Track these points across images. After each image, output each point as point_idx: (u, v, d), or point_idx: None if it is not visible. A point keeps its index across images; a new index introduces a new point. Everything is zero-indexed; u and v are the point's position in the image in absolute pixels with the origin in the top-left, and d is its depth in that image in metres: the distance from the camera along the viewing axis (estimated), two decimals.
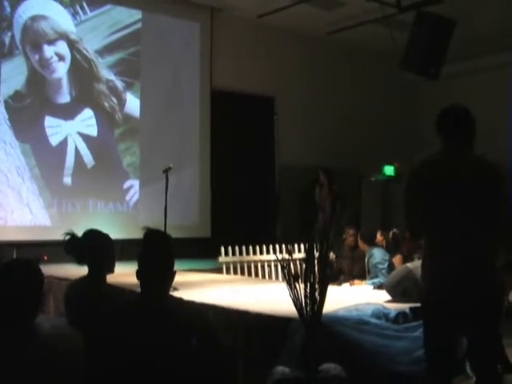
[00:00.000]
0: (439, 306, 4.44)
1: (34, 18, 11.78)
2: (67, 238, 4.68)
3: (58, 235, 11.19)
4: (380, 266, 9.38)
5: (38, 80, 11.77)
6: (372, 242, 9.78)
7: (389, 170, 16.63)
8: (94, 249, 4.60)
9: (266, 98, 15.08)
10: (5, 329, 3.02)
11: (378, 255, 9.53)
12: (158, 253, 3.62)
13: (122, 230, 11.58)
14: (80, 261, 4.62)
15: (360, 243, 9.82)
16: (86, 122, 12.31)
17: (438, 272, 4.43)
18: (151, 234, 3.79)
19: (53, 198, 11.86)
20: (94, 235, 4.71)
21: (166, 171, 8.73)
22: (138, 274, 3.56)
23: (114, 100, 12.66)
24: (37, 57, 11.75)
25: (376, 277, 9.30)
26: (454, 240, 4.38)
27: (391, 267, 9.32)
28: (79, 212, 12.11)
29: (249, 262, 11.33)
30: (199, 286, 8.31)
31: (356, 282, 9.57)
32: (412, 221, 4.64)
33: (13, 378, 2.92)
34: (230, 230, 12.84)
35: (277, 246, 11.37)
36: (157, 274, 3.53)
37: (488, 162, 4.46)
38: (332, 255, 5.22)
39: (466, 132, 4.52)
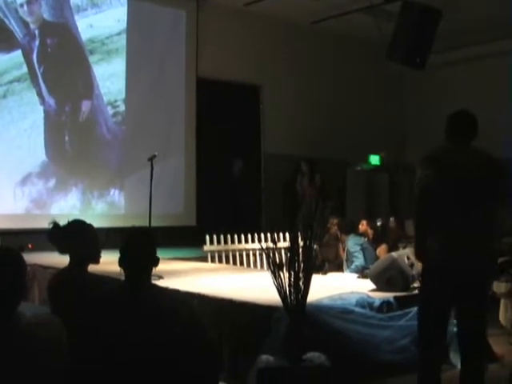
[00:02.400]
0: (440, 270, 4.65)
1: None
2: (50, 226, 4.65)
3: (43, 223, 11.19)
4: (351, 250, 9.54)
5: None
6: (348, 232, 9.87)
7: (374, 159, 16.66)
8: (76, 239, 4.58)
9: (252, 86, 15.05)
10: None
11: (350, 242, 9.66)
12: (137, 247, 3.63)
13: (106, 219, 11.58)
14: (62, 251, 4.60)
15: (338, 233, 9.97)
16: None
17: (444, 249, 4.66)
18: (130, 231, 3.79)
19: (37, 185, 11.83)
20: (76, 225, 4.68)
21: (151, 159, 8.69)
22: (121, 264, 3.55)
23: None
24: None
25: (352, 263, 9.42)
26: (460, 226, 4.66)
27: (367, 252, 9.45)
28: (64, 200, 12.08)
29: (234, 251, 11.31)
30: (184, 275, 8.31)
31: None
32: (422, 209, 4.78)
33: None
34: (215, 218, 12.80)
35: (262, 235, 11.32)
36: (140, 263, 3.53)
37: (489, 155, 4.86)
38: (316, 244, 5.22)
39: (473, 136, 4.93)
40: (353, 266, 9.35)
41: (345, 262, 9.72)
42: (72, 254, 4.59)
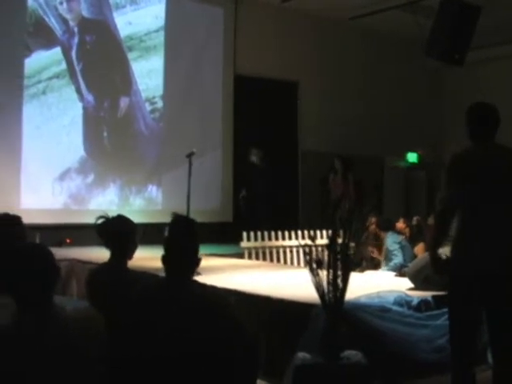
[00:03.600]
0: (469, 276, 4.55)
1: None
2: (101, 220, 4.70)
3: (81, 218, 11.29)
4: (390, 248, 9.46)
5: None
6: (387, 229, 9.82)
7: (412, 156, 16.59)
8: (121, 234, 4.65)
9: (290, 82, 15.01)
10: (22, 312, 3.04)
11: (389, 240, 9.59)
12: (183, 239, 3.61)
13: (143, 214, 11.64)
14: (108, 245, 4.66)
15: (378, 231, 9.89)
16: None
17: (470, 248, 4.58)
18: (178, 220, 3.78)
19: (76, 180, 11.94)
20: (122, 221, 4.75)
21: (190, 156, 8.72)
22: (164, 260, 3.55)
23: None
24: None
25: (390, 260, 9.36)
26: (486, 228, 4.56)
27: (406, 250, 9.40)
28: (102, 195, 12.17)
29: (271, 248, 11.30)
30: (221, 271, 8.33)
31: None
32: (448, 199, 4.73)
33: (33, 362, 2.94)
34: (252, 214, 12.81)
35: (299, 232, 11.33)
36: (182, 260, 3.53)
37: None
38: (354, 243, 5.21)
39: (495, 128, 4.79)
40: (391, 264, 9.30)
41: (383, 260, 9.68)
42: (114, 249, 4.65)
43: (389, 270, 9.25)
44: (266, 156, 12.89)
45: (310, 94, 15.10)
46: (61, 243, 10.99)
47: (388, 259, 9.49)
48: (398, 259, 9.29)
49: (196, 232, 3.68)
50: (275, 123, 14.35)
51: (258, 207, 13.02)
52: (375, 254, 9.98)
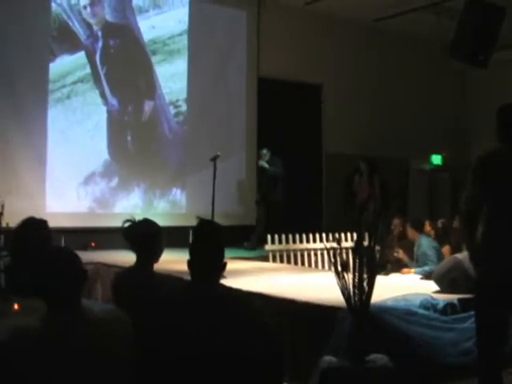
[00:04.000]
0: (495, 278, 4.55)
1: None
2: (127, 224, 4.74)
3: (105, 222, 11.33)
4: (429, 253, 9.32)
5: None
6: (421, 230, 9.74)
7: (436, 159, 16.53)
8: (148, 237, 4.67)
9: (313, 85, 15.00)
10: (50, 314, 3.08)
11: (425, 243, 9.47)
12: (209, 243, 3.62)
13: (167, 218, 11.65)
14: (134, 248, 4.69)
15: (410, 231, 9.75)
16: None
17: (496, 250, 4.58)
18: (203, 224, 3.79)
19: (100, 184, 12.02)
20: (149, 224, 4.78)
21: (214, 159, 8.76)
22: (190, 264, 3.56)
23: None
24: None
25: (425, 265, 9.23)
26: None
27: (440, 256, 9.27)
28: (126, 199, 12.24)
29: (295, 251, 11.32)
30: (246, 275, 8.36)
31: (405, 270, 9.52)
32: (472, 198, 4.74)
33: (63, 363, 2.97)
34: (274, 219, 12.81)
35: (323, 235, 11.33)
36: (208, 264, 3.54)
37: None
38: (380, 245, 5.21)
39: None
40: (427, 269, 9.03)
41: (412, 262, 9.57)
42: (141, 252, 4.67)
43: (420, 273, 9.11)
44: (274, 156, 12.83)
45: (334, 96, 15.07)
46: (86, 247, 11.04)
47: (422, 263, 9.32)
48: (433, 265, 8.91)
49: (221, 236, 3.68)
50: (299, 126, 14.34)
51: (281, 210, 13.01)
52: (400, 255, 9.89)
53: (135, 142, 12.44)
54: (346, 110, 15.14)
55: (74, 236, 10.64)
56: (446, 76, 16.59)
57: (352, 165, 13.51)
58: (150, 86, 12.73)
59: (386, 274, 9.38)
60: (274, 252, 11.07)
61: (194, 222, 3.82)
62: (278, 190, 12.76)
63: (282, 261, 11.05)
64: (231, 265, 8.97)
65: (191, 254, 3.59)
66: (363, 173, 13.00)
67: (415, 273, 9.25)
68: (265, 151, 12.86)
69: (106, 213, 11.83)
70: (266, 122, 13.75)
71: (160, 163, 12.69)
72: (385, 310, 5.72)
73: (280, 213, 12.68)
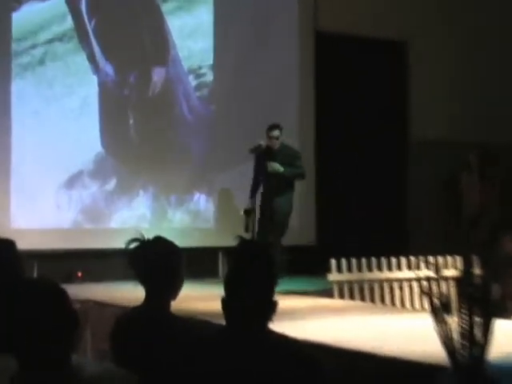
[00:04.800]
0: None
1: None
2: (134, 244, 4.70)
3: (98, 241, 11.40)
4: None
5: None
6: None
7: None
8: (162, 264, 4.63)
9: (395, 42, 14.96)
10: (25, 376, 3.09)
11: None
12: (254, 275, 3.61)
13: (188, 235, 11.64)
14: (142, 279, 4.65)
15: None
16: None
17: None
18: (246, 247, 3.78)
19: (90, 188, 12.06)
20: (164, 245, 4.74)
21: (255, 151, 8.72)
22: (226, 303, 3.55)
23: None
24: None
25: None
26: None
27: None
28: (128, 208, 12.29)
29: (371, 282, 11.25)
30: (303, 316, 8.34)
31: None
32: None
33: None
34: (342, 235, 12.79)
35: (412, 259, 11.27)
36: (253, 304, 3.53)
37: None
38: (498, 276, 5.17)
39: None
40: None
41: None
42: (152, 285, 4.64)
43: None
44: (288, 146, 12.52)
45: (425, 59, 14.98)
46: (69, 277, 11.09)
47: None
48: None
49: (272, 264, 3.68)
50: (373, 101, 14.31)
51: (350, 224, 12.99)
52: None
53: (140, 126, 12.50)
54: (445, 80, 15.04)
55: (51, 262, 10.75)
56: None
57: (454, 157, 13.42)
58: (159, 47, 12.79)
59: (508, 316, 9.30)
60: (340, 284, 11.02)
61: (226, 242, 3.81)
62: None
63: (352, 296, 11.00)
64: (282, 302, 8.99)
65: (227, 288, 3.58)
66: (474, 169, 12.87)
67: None
68: (276, 133, 11.69)
69: (99, 228, 11.89)
70: (327, 96, 13.72)
71: (176, 157, 12.74)
72: (509, 371, 5.67)
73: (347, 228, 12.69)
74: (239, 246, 3.71)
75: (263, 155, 10.96)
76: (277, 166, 11.30)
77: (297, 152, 11.96)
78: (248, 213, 10.95)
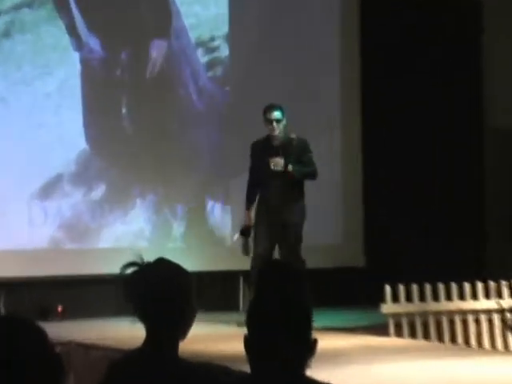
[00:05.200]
0: None
1: None
2: (131, 269, 4.64)
3: (82, 265, 11.49)
4: None
5: None
6: None
7: None
8: (167, 293, 4.57)
9: (466, 3, 14.92)
10: None
11: None
12: (285, 305, 3.53)
13: (199, 256, 11.63)
14: (140, 314, 4.60)
15: None
16: None
17: None
18: (274, 270, 3.70)
19: (72, 196, 12.05)
20: (168, 269, 4.68)
21: None
22: (249, 342, 3.48)
23: None
24: None
25: None
26: None
27: None
28: (122, 222, 12.26)
29: (438, 314, 11.21)
30: (349, 359, 8.32)
31: None
32: None
33: None
34: (399, 253, 12.78)
35: (491, 284, 11.20)
36: (284, 343, 3.46)
37: None
38: None
39: None
40: None
41: None
42: (155, 321, 4.59)
43: None
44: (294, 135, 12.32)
45: (507, 25, 14.96)
46: (46, 313, 11.07)
47: None
48: None
49: (307, 291, 3.60)
50: (436, 75, 14.25)
51: (410, 239, 12.99)
52: None
53: (135, 116, 12.47)
54: None
55: (22, 293, 10.71)
56: None
57: None
58: (159, 13, 12.75)
59: None
60: (397, 317, 10.99)
61: (248, 264, 3.75)
62: None
63: (413, 333, 10.99)
64: (321, 341, 8.99)
65: (251, 322, 3.50)
66: None
67: None
68: (277, 114, 11.18)
69: (84, 249, 11.89)
70: (376, 76, 13.71)
71: (182, 154, 12.70)
72: None
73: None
74: (262, 269, 3.65)
75: (262, 149, 11.01)
76: (282, 163, 11.05)
77: (304, 142, 11.51)
78: (247, 233, 10.93)
